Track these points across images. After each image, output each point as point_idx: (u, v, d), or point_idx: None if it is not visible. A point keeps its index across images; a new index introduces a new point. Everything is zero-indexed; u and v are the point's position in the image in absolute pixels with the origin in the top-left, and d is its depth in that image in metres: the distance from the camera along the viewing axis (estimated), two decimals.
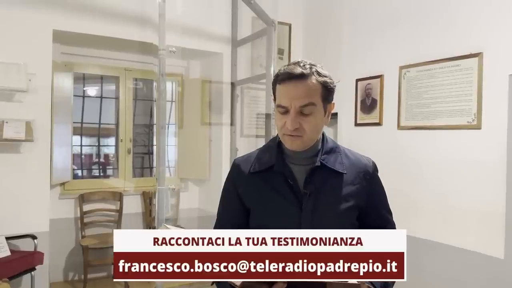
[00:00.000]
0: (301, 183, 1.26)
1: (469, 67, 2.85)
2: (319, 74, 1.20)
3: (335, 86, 1.25)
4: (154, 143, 4.79)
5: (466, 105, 2.87)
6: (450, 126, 2.97)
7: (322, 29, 4.19)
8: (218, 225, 1.41)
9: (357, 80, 3.74)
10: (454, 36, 2.95)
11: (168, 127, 4.66)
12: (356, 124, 3.76)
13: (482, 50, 2.76)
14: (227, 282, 1.01)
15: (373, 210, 1.32)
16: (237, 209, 1.34)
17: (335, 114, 3.88)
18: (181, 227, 3.70)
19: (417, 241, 3.08)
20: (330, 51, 4.02)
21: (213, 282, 1.20)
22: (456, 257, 2.89)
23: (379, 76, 3.54)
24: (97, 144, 4.71)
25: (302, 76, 1.18)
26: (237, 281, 0.99)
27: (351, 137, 3.76)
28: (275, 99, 1.27)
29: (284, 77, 1.20)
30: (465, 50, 2.86)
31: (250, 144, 4.12)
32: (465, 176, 2.86)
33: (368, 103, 3.64)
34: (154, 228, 2.80)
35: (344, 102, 3.81)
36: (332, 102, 1.27)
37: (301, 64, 1.21)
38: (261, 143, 3.64)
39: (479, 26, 2.79)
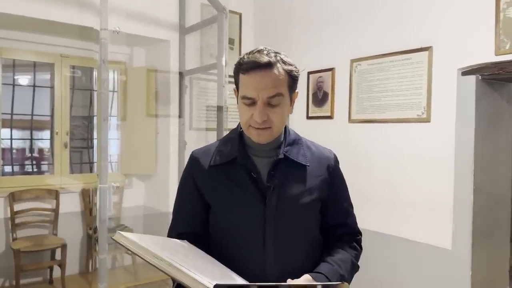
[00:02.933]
0: (264, 176, 1.20)
1: (419, 60, 2.89)
2: (284, 62, 1.15)
3: (299, 74, 1.21)
4: (95, 136, 4.49)
5: (416, 98, 2.91)
6: (400, 119, 3.00)
7: (273, 20, 4.11)
8: (174, 225, 1.31)
9: (309, 73, 3.70)
10: (405, 29, 2.98)
11: (109, 119, 4.37)
12: (308, 117, 3.72)
13: (432, 44, 2.80)
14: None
15: (334, 203, 1.30)
16: (196, 205, 1.26)
17: None
18: (126, 226, 3.44)
19: (367, 233, 3.05)
20: (281, 42, 3.95)
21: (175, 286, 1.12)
22: (406, 249, 2.94)
23: (331, 69, 3.52)
24: (29, 138, 4.32)
25: (269, 65, 1.12)
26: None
27: (303, 130, 3.67)
28: (237, 90, 1.19)
29: (249, 66, 1.13)
30: (416, 44, 2.89)
31: (199, 137, 3.97)
32: (414, 168, 2.91)
33: (320, 96, 3.61)
34: (95, 229, 2.58)
35: None
36: (296, 90, 1.23)
37: (265, 52, 1.14)
38: (212, 136, 3.50)
39: (429, 20, 2.83)
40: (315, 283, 1.09)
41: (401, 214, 2.98)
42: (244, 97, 1.15)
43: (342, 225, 1.32)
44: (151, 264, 0.94)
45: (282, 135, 1.25)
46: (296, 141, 1.27)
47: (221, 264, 1.14)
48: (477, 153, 2.60)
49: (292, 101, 1.22)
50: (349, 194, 1.37)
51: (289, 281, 1.07)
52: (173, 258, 0.95)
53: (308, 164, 1.24)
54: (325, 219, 1.29)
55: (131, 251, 0.97)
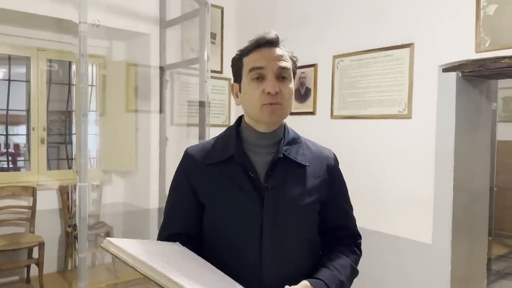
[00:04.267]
0: (262, 175, 1.16)
1: (400, 57, 2.90)
2: (285, 48, 1.19)
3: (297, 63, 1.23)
4: (72, 132, 4.39)
5: (397, 95, 2.92)
6: (382, 116, 3.02)
7: (255, 14, 4.07)
8: (166, 225, 1.25)
9: None
10: (387, 26, 2.98)
11: (88, 114, 4.28)
12: (291, 113, 3.69)
13: (414, 41, 2.82)
14: None
15: (334, 204, 1.26)
16: (189, 205, 1.20)
17: None
18: (105, 224, 3.34)
19: None
20: None
21: None
22: (387, 243, 2.97)
23: (313, 65, 3.51)
24: (4, 133, 4.19)
25: (277, 41, 1.15)
26: None
27: None
28: (239, 80, 1.18)
29: (258, 43, 1.15)
30: (397, 41, 2.90)
31: (181, 133, 3.91)
32: (395, 164, 2.93)
33: (302, 92, 3.60)
34: (75, 226, 2.52)
35: None
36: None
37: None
38: (194, 132, 3.45)
39: (410, 17, 2.84)
40: None
41: (382, 209, 3.01)
42: (253, 69, 1.13)
43: (342, 227, 1.29)
44: (143, 274, 0.88)
45: (281, 132, 1.22)
46: (296, 140, 1.23)
47: (218, 270, 1.09)
48: (457, 150, 2.63)
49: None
50: (348, 195, 1.34)
51: None
52: (165, 266, 0.90)
53: (307, 164, 1.20)
54: (325, 221, 1.26)
55: (121, 260, 0.90)
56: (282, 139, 1.20)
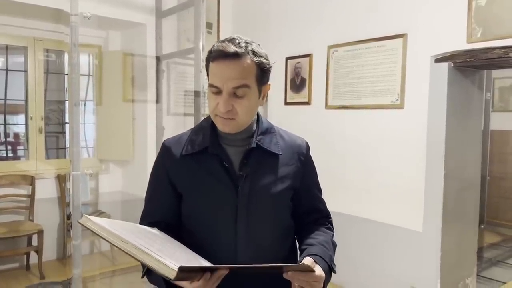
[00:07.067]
0: (236, 165, 1.21)
1: (394, 47, 2.92)
2: (254, 53, 1.14)
3: (271, 67, 1.19)
4: (67, 121, 4.43)
5: (390, 85, 2.95)
6: (375, 106, 3.05)
7: (251, 4, 4.07)
8: (146, 214, 1.30)
9: (287, 59, 3.70)
10: (380, 17, 3.00)
11: (85, 103, 4.31)
12: (286, 103, 3.74)
13: (407, 31, 2.84)
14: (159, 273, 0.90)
15: (306, 190, 1.31)
16: (167, 195, 1.25)
17: None
18: (102, 212, 3.38)
19: (343, 217, 3.16)
20: (260, 27, 3.93)
21: (143, 275, 1.10)
22: (379, 231, 3.02)
23: (308, 55, 3.53)
24: (3, 123, 4.22)
25: (236, 56, 1.11)
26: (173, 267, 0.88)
27: (281, 117, 3.73)
28: (208, 77, 1.18)
29: (217, 55, 1.12)
30: (391, 31, 2.92)
31: (177, 123, 3.94)
32: (388, 154, 2.97)
33: (298, 82, 3.63)
34: (69, 215, 2.56)
35: (274, 80, 3.73)
36: (268, 83, 1.22)
37: (236, 42, 1.13)
38: (190, 122, 3.48)
39: (404, 8, 2.86)
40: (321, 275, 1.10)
41: (374, 198, 3.05)
42: (211, 85, 1.14)
43: (315, 211, 1.35)
44: (116, 246, 0.93)
45: (255, 125, 1.25)
46: (269, 130, 1.27)
47: (191, 250, 1.14)
48: (448, 139, 2.67)
49: (262, 94, 1.20)
50: (318, 180, 1.39)
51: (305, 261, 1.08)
52: (139, 241, 0.94)
53: (280, 153, 1.25)
54: (297, 206, 1.31)
55: (96, 234, 0.96)
56: (256, 130, 1.24)
